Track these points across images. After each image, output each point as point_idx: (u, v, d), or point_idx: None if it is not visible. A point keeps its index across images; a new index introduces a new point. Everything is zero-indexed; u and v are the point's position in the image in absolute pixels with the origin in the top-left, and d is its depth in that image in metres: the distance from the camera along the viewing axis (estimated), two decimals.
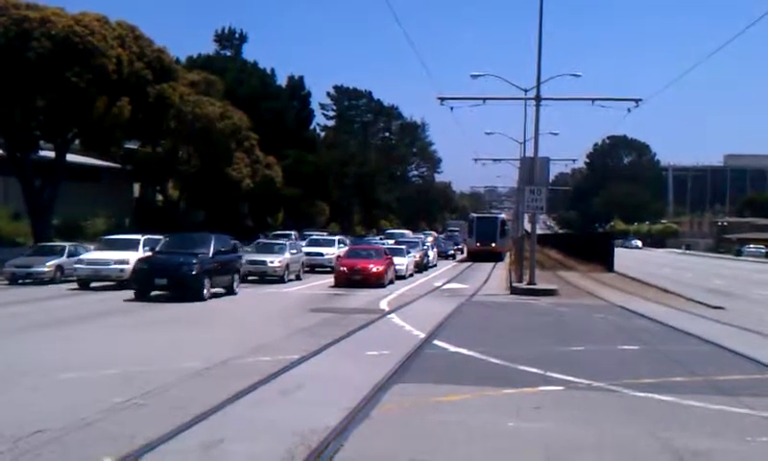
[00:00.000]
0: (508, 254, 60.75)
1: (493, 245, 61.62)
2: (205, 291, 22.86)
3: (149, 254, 24.82)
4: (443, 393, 10.43)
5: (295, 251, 35.16)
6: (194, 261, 22.72)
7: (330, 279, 31.60)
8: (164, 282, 22.47)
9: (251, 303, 23.76)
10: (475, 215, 69.40)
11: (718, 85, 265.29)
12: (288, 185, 61.12)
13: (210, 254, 23.60)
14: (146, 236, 29.44)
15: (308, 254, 38.53)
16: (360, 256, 32.30)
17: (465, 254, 66.60)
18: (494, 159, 59.78)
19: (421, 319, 19.01)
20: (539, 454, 7.64)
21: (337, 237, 44.84)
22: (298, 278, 33.58)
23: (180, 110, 44.48)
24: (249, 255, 32.83)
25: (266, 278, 31.95)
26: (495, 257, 59.58)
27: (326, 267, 37.58)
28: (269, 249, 34.24)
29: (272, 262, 32.04)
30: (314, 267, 38.67)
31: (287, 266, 32.37)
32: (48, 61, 32.05)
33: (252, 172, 52.65)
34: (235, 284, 25.25)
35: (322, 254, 39.69)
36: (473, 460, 7.45)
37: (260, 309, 22.10)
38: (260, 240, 40.95)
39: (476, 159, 65.60)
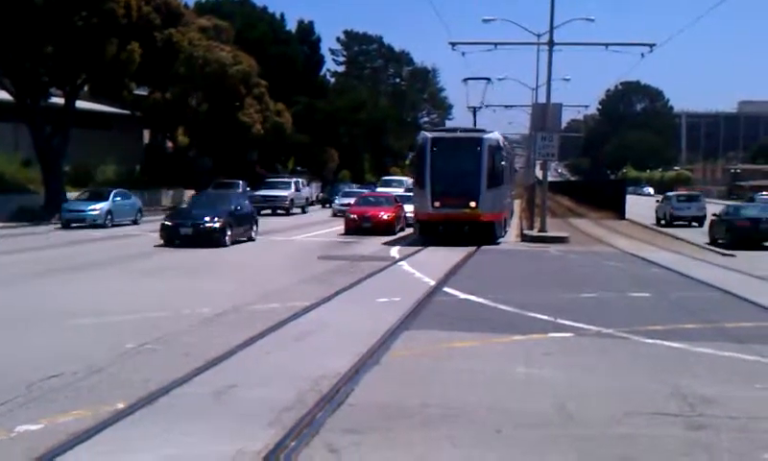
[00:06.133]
0: (517, 209, 41.33)
1: (473, 205, 25.54)
2: (227, 239, 24.68)
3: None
4: (452, 339, 10.49)
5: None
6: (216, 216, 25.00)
7: (341, 227, 31.60)
8: (189, 233, 24.39)
9: (259, 251, 23.87)
10: (429, 135, 27.21)
11: (733, 31, 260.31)
12: (298, 132, 60.75)
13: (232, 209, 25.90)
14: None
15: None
16: (370, 204, 32.27)
17: (407, 231, 30.63)
18: (506, 106, 58.73)
19: (432, 266, 19.03)
20: (548, 400, 7.68)
21: (113, 190, 33.81)
22: None
23: (191, 56, 44.15)
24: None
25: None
26: (478, 234, 25.75)
27: None
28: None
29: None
30: None
31: None
32: (55, 6, 31.78)
33: (261, 118, 52.39)
34: (253, 233, 27.33)
35: None
36: (483, 405, 7.50)
37: (270, 257, 22.21)
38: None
39: (486, 106, 63.07)
